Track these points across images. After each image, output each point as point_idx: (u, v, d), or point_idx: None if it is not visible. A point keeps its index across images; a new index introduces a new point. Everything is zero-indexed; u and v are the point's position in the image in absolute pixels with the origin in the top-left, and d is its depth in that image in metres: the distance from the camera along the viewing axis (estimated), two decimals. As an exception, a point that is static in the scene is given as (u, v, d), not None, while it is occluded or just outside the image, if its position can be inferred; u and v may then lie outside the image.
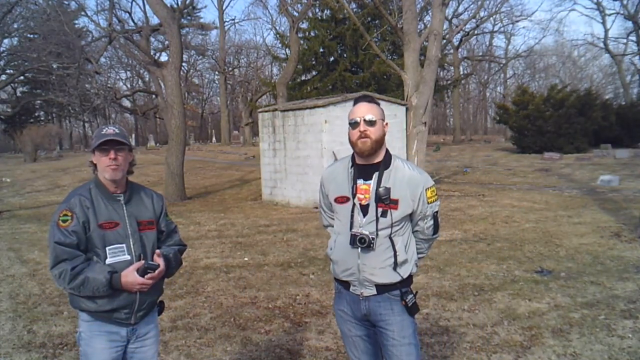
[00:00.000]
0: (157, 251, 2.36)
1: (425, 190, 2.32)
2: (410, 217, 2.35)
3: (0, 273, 6.80)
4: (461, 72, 41.13)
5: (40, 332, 4.62)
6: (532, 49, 46.49)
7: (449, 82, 32.13)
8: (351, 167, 2.37)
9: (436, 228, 2.42)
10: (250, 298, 5.40)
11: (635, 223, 7.94)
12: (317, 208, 12.72)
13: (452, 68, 36.08)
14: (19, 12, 29.24)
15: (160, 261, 2.32)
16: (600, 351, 3.81)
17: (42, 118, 46.71)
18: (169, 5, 15.28)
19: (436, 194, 2.38)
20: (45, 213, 12.33)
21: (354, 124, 2.29)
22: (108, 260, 2.25)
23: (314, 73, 26.45)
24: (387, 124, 2.35)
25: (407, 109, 11.95)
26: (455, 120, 41.39)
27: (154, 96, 36.60)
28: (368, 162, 2.32)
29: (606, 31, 35.60)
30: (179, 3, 16.10)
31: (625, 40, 38.48)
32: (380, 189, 2.25)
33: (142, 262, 2.27)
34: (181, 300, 5.40)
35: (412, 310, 2.32)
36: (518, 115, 22.15)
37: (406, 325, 2.31)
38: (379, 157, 2.33)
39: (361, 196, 2.31)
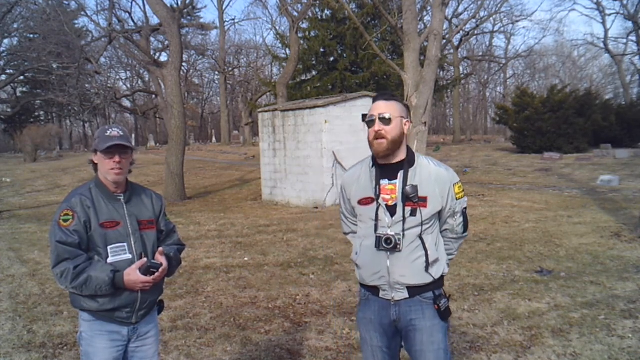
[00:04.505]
0: (160, 249, 2.37)
1: (453, 186, 2.26)
2: (439, 215, 2.28)
3: (0, 273, 6.80)
4: (461, 72, 41.11)
5: (40, 332, 4.62)
6: (532, 49, 46.62)
7: (449, 82, 32.09)
8: (372, 167, 2.29)
9: (466, 225, 2.35)
10: (250, 298, 5.40)
11: (635, 223, 7.93)
12: (317, 208, 12.59)
13: (452, 68, 36.04)
14: (19, 12, 29.28)
15: (162, 260, 2.32)
16: (600, 351, 3.81)
17: (42, 118, 46.75)
18: (169, 5, 15.30)
19: (463, 190, 2.31)
20: (45, 213, 12.33)
21: (369, 123, 2.22)
22: (109, 260, 2.26)
23: (314, 73, 26.42)
24: (407, 121, 2.25)
25: (407, 109, 11.93)
26: (455, 120, 41.35)
27: (154, 96, 36.62)
28: (390, 161, 2.24)
29: (606, 31, 35.62)
30: (179, 3, 16.11)
31: (625, 40, 38.54)
32: (407, 188, 2.18)
33: (145, 260, 2.28)
34: (181, 300, 5.40)
35: (444, 314, 2.24)
36: (518, 116, 22.15)
37: (436, 330, 2.23)
38: (401, 156, 2.25)
39: (387, 196, 2.23)
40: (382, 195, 2.24)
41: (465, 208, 2.34)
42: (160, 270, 2.28)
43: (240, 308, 5.10)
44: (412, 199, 2.18)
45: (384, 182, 2.25)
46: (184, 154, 14.94)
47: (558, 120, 20.73)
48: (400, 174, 2.23)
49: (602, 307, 4.69)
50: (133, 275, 2.22)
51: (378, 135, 2.18)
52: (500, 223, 8.88)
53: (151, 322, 2.47)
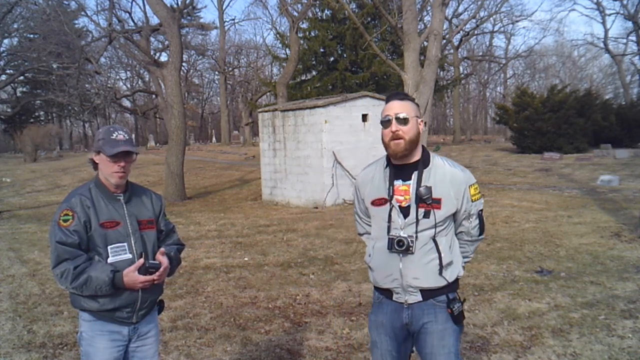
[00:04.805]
0: (161, 249, 2.37)
1: (469, 187, 2.21)
2: (454, 217, 2.24)
3: (0, 273, 6.81)
4: (461, 72, 41.12)
5: (40, 332, 4.62)
6: (532, 49, 46.62)
7: (449, 82, 32.10)
8: (386, 167, 2.25)
9: (482, 228, 2.30)
10: (250, 298, 5.41)
11: (635, 223, 7.93)
12: (317, 208, 12.57)
13: (452, 68, 36.05)
14: (19, 12, 29.28)
15: (163, 259, 2.32)
16: (600, 351, 3.81)
17: (42, 118, 46.76)
18: (169, 5, 15.30)
19: (479, 192, 2.26)
20: (45, 213, 12.34)
21: (385, 123, 2.17)
22: (110, 259, 2.26)
23: (314, 73, 26.43)
24: (422, 121, 2.22)
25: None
26: (455, 120, 41.34)
27: (154, 96, 36.62)
28: (405, 161, 2.20)
29: (606, 31, 35.58)
30: (179, 3, 16.11)
31: (625, 40, 38.53)
32: (421, 189, 2.13)
33: (142, 260, 2.28)
34: (181, 300, 5.40)
35: (457, 318, 2.20)
36: (518, 116, 22.16)
37: (448, 334, 2.19)
38: (416, 156, 2.21)
39: (400, 197, 2.18)
40: (395, 196, 2.20)
41: (482, 210, 2.28)
42: (162, 269, 2.29)
43: (240, 308, 5.10)
44: (426, 201, 2.14)
45: (398, 183, 2.21)
46: (184, 154, 14.95)
47: (558, 120, 20.73)
48: (415, 175, 2.19)
49: (602, 307, 4.69)
50: (131, 276, 2.22)
51: (395, 136, 2.14)
52: (500, 223, 8.88)
53: (151, 321, 2.47)
